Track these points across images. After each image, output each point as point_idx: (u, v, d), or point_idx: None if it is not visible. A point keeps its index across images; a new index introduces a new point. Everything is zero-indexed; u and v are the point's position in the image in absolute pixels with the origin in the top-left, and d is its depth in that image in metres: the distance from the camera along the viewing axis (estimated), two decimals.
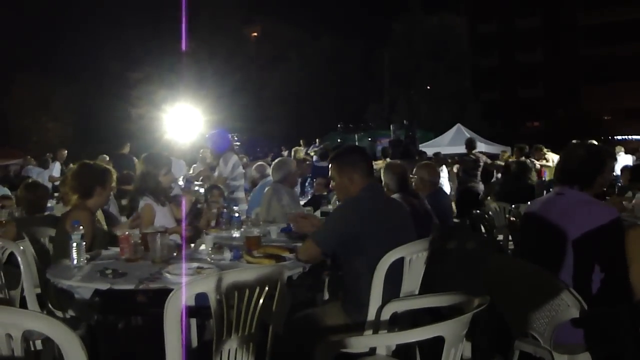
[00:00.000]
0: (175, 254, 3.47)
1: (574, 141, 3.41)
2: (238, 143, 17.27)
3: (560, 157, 3.42)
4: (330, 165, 3.36)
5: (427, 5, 39.17)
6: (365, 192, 3.17)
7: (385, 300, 2.90)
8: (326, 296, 4.30)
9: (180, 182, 8.30)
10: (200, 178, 8.61)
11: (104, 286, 2.76)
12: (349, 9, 44.04)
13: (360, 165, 3.24)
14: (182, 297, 2.17)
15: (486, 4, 43.82)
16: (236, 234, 4.38)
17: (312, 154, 14.48)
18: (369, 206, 3.09)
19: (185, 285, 2.22)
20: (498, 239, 6.58)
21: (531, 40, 43.19)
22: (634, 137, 26.47)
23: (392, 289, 3.00)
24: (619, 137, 29.82)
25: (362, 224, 3.02)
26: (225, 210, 4.97)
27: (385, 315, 2.86)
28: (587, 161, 3.14)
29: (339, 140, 19.99)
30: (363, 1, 43.76)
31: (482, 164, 10.39)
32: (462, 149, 21.08)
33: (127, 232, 3.48)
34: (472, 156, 10.65)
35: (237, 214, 4.65)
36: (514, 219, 5.27)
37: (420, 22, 39.23)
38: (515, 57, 43.95)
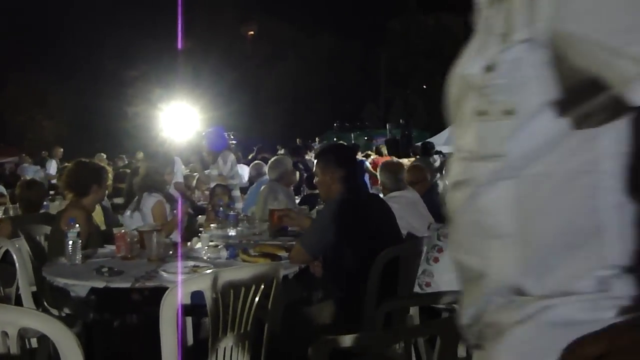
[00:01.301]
0: (171, 252, 3.47)
1: None
2: (234, 142, 17.23)
3: None
4: (315, 161, 3.38)
5: (424, 4, 39.18)
6: (346, 193, 3.18)
7: (381, 299, 2.91)
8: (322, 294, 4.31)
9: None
10: (197, 176, 8.60)
11: (100, 284, 2.77)
12: (346, 8, 43.98)
13: (345, 165, 3.26)
14: (178, 295, 2.17)
15: None
16: (232, 232, 4.38)
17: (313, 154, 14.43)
18: (351, 207, 3.11)
19: (181, 284, 2.22)
20: None
21: None
22: None
23: (387, 289, 3.01)
24: None
25: (347, 226, 3.04)
26: (221, 208, 4.98)
27: (380, 314, 2.87)
28: None
29: (335, 139, 20.01)
30: (360, 0, 43.72)
31: None
32: None
33: (122, 230, 3.48)
34: None
35: (232, 212, 4.65)
36: None
37: (417, 22, 39.25)
38: None
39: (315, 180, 3.45)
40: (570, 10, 0.77)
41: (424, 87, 38.16)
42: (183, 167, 10.71)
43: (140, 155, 13.75)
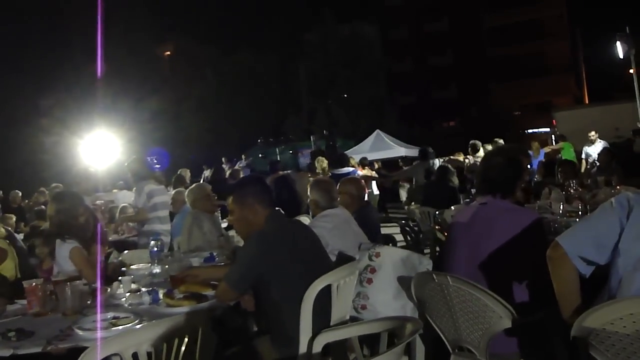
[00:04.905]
0: (89, 302, 3.20)
1: (488, 148, 3.42)
2: (158, 166, 16.76)
3: (479, 167, 3.42)
4: (230, 199, 3.19)
5: (338, 15, 39.74)
6: (269, 224, 3.05)
7: (316, 332, 2.79)
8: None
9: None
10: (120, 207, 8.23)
11: (5, 353, 2.48)
12: (262, 22, 43.98)
13: (262, 196, 3.12)
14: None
15: (395, 12, 44.87)
16: (157, 270, 4.13)
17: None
18: (275, 238, 2.98)
19: (94, 350, 2.00)
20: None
21: (441, 43, 44.55)
22: (543, 129, 27.76)
23: (322, 319, 2.89)
24: (530, 131, 31.10)
25: (271, 258, 2.89)
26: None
27: (317, 347, 2.74)
28: (507, 168, 3.15)
29: (260, 155, 19.86)
30: (275, 14, 43.82)
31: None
32: (383, 155, 21.37)
33: (34, 283, 3.17)
34: None
35: (155, 248, 4.39)
36: (439, 227, 5.28)
37: (333, 32, 39.72)
38: (427, 60, 45.18)
39: (230, 218, 3.28)
40: None
41: (345, 96, 38.58)
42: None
43: (15, 193, 13.18)
